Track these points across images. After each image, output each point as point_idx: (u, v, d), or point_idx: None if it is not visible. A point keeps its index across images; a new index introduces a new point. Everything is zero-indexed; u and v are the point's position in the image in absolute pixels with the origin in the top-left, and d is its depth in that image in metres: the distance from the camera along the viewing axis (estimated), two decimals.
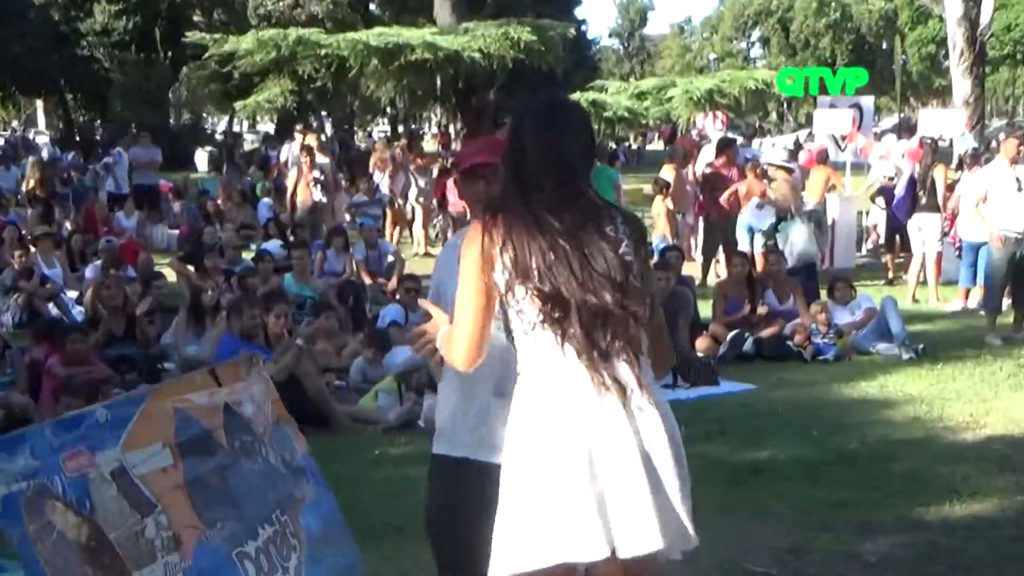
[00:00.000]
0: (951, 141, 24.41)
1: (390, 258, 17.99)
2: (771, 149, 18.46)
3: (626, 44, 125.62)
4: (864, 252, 21.82)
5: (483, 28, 21.33)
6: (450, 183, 22.49)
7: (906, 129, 31.70)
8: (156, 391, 4.12)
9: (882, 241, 20.61)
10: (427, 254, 21.45)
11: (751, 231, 18.13)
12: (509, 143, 3.95)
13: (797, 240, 16.24)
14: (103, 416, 3.84)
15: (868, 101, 24.65)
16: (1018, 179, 13.49)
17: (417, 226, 22.74)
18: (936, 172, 16.82)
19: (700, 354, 12.42)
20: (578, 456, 3.70)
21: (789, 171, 16.87)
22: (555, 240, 3.73)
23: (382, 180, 22.77)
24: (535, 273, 3.72)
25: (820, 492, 8.07)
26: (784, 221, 16.61)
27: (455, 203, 22.13)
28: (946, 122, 21.36)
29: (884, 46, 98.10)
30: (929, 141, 17.89)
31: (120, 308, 11.18)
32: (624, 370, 3.74)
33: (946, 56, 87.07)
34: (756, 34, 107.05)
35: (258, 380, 4.13)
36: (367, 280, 16.76)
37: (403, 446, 9.74)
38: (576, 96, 24.24)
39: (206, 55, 22.60)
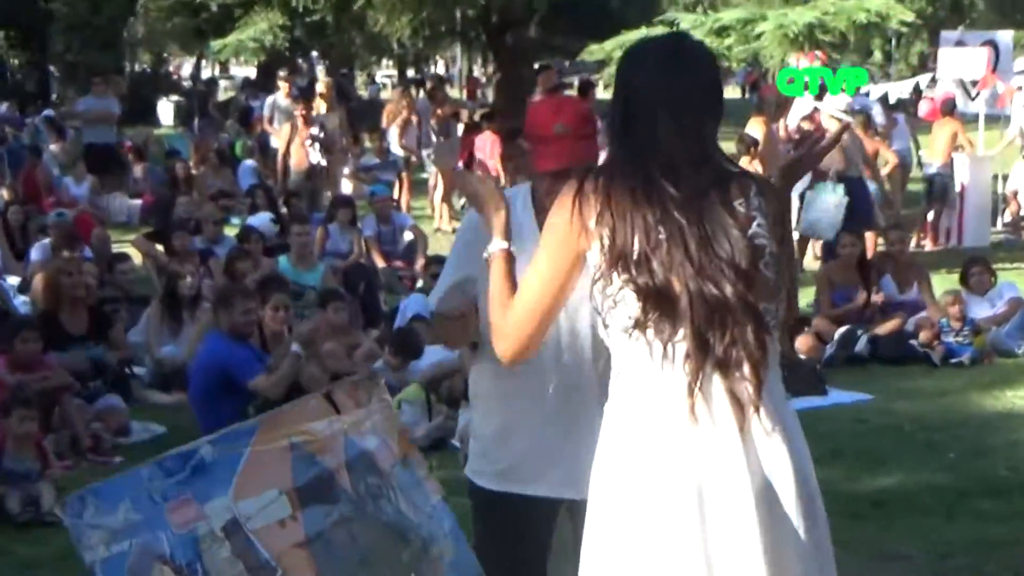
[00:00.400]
0: None
1: (407, 235, 17.94)
2: (830, 98, 18.34)
3: None
4: (1000, 227, 21.72)
5: None
6: (479, 141, 22.52)
7: None
8: (266, 421, 3.98)
9: None
10: (450, 230, 21.43)
11: None
12: (616, 91, 3.85)
13: (816, 212, 15.87)
14: (208, 454, 3.72)
15: (1006, 36, 24.44)
16: None
17: (438, 195, 22.70)
18: None
19: (802, 356, 12.39)
20: (680, 498, 3.57)
21: (846, 124, 16.70)
22: (668, 212, 3.57)
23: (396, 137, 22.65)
24: (635, 259, 3.55)
25: (962, 530, 8.07)
26: (821, 183, 16.27)
27: (486, 165, 22.15)
28: None
29: None
30: None
31: (82, 299, 11.21)
32: (743, 386, 3.59)
33: None
34: None
35: (381, 407, 4.00)
36: (380, 263, 16.77)
37: (435, 471, 9.68)
38: (636, 36, 24.09)
39: None
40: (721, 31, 24.84)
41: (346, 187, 21.76)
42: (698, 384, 3.57)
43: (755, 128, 18.60)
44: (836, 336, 12.99)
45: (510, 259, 3.98)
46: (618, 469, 3.69)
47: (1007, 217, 21.88)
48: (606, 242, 3.59)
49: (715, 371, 3.58)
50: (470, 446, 5.05)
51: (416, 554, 4.28)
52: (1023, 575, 7.36)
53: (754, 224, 3.64)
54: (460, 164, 22.96)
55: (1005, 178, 22.01)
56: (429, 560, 4.34)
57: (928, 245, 20.13)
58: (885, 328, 13.22)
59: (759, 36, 24.03)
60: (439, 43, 32.36)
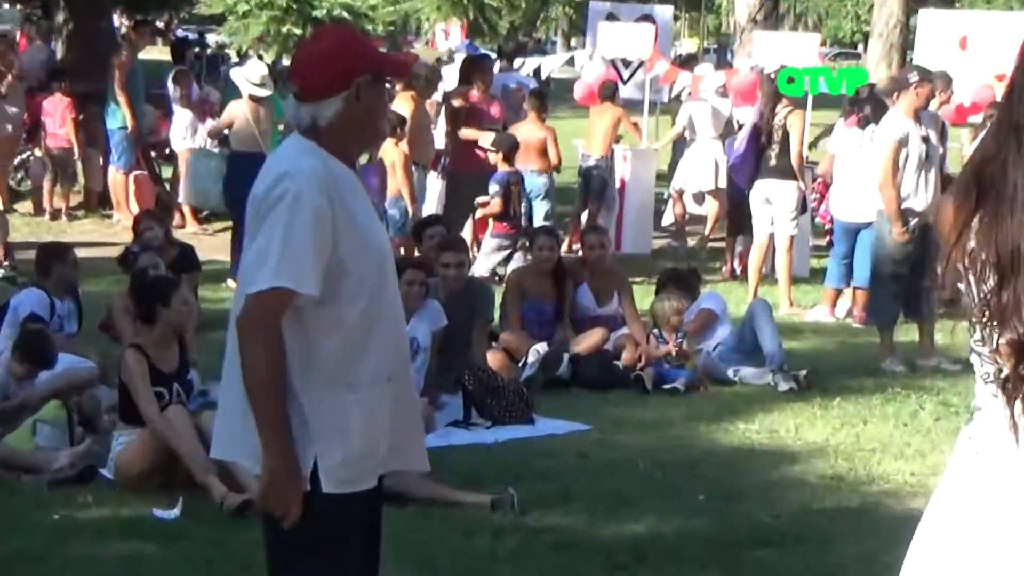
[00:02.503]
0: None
1: None
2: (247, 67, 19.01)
3: None
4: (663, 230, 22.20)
5: None
6: (48, 105, 21.82)
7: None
8: None
9: (694, 212, 21.15)
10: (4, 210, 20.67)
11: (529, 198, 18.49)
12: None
13: None
14: None
15: (665, 12, 25.09)
16: (925, 139, 13.86)
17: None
18: (791, 120, 17.07)
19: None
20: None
21: None
22: None
23: None
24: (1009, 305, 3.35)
25: None
26: None
27: (56, 135, 21.56)
28: (790, 47, 21.69)
29: None
30: (770, 75, 18.24)
31: None
32: None
33: None
34: None
35: None
36: None
37: (92, 508, 9.46)
38: None
39: None
40: None
41: None
42: None
43: (403, 104, 18.22)
44: (535, 354, 13.00)
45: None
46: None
47: (670, 218, 22.31)
48: (973, 274, 3.43)
49: None
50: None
51: None
52: None
53: None
54: (23, 133, 22.23)
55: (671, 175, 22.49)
56: None
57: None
58: (583, 345, 13.33)
59: None
60: None
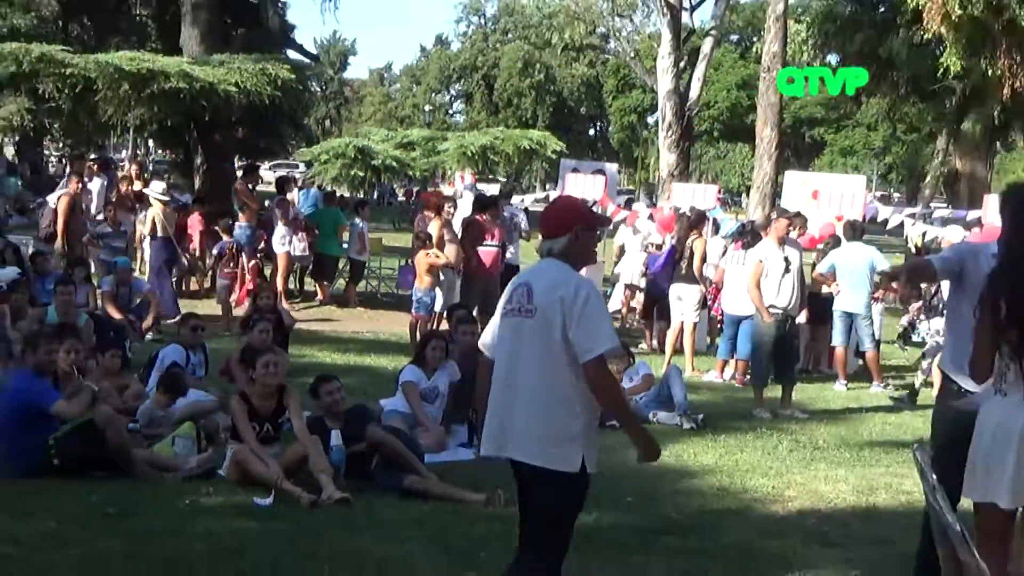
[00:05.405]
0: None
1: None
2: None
3: (324, 88, 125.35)
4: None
5: (239, 62, 20.84)
6: (190, 221, 21.90)
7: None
8: None
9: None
10: None
11: None
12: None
13: None
14: None
15: (612, 168, 25.41)
16: (787, 259, 14.19)
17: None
18: (696, 244, 17.42)
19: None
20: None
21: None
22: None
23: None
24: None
25: (663, 562, 8.24)
26: None
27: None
28: (697, 194, 22.18)
29: (583, 111, 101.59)
30: (687, 213, 18.53)
31: None
32: None
33: (644, 127, 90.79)
34: (458, 88, 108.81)
35: None
36: (115, 315, 16.15)
37: (212, 496, 9.46)
38: (341, 142, 23.88)
39: None
40: (408, 145, 24.94)
41: None
42: None
43: (433, 226, 18.61)
44: None
45: None
46: None
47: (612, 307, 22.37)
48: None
49: None
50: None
51: None
52: None
53: None
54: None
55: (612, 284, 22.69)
56: None
57: None
58: None
59: (439, 153, 24.20)
60: (173, 134, 30.82)
